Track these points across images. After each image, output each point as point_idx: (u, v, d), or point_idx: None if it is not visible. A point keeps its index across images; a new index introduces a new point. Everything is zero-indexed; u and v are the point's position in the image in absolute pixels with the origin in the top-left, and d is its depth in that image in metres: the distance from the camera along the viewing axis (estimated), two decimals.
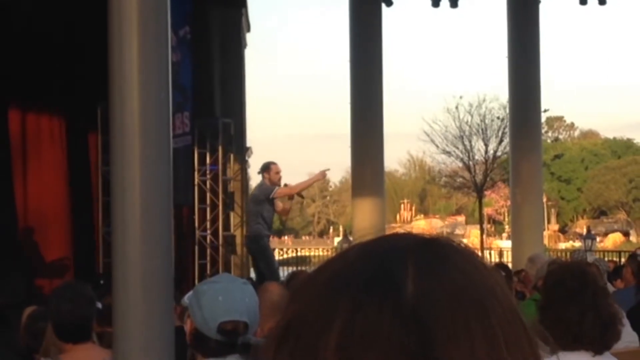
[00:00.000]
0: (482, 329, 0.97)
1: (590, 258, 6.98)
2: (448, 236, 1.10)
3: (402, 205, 73.07)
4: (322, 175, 14.61)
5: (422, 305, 0.97)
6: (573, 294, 4.00)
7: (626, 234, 64.31)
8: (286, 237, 67.32)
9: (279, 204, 13.78)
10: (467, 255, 1.03)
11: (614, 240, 59.76)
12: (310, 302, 1.00)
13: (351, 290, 0.98)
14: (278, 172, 13.43)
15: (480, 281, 1.01)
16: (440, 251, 1.03)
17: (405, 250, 1.02)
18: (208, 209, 18.13)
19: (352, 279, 1.00)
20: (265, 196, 13.40)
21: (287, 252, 35.68)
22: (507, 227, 51.45)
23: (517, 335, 1.00)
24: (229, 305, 3.59)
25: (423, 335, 0.95)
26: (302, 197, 14.33)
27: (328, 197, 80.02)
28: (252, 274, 14.26)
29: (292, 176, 14.22)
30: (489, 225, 57.49)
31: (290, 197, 13.69)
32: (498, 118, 33.78)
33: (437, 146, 36.08)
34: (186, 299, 3.76)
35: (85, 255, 17.29)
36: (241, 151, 19.78)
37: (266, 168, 13.47)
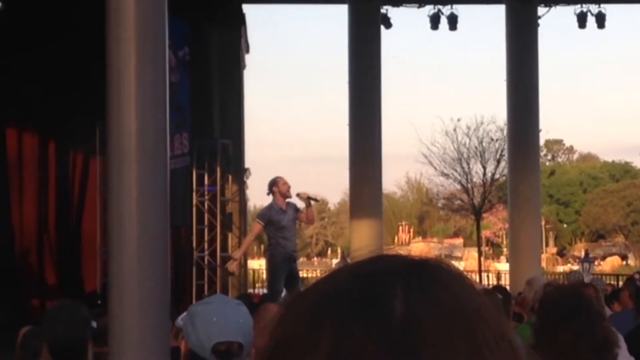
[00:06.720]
0: (470, 350, 0.97)
1: (587, 278, 6.94)
2: (439, 258, 1.10)
3: (400, 227, 72.90)
4: None
5: (410, 326, 0.96)
6: (568, 316, 3.98)
7: (624, 258, 64.19)
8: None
9: (302, 215, 13.63)
10: (456, 277, 1.03)
11: (612, 263, 59.65)
12: (297, 324, 1.00)
13: (338, 312, 0.98)
14: (285, 183, 13.29)
15: (469, 303, 1.00)
16: (429, 273, 1.02)
17: (394, 272, 1.01)
18: (206, 230, 18.11)
19: (339, 300, 0.99)
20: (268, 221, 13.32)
21: None
22: (505, 249, 51.38)
23: (505, 356, 0.99)
24: (223, 326, 3.58)
25: (411, 356, 0.95)
26: (316, 200, 14.29)
27: (326, 219, 79.84)
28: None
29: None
30: (487, 248, 57.40)
31: (307, 205, 13.49)
32: (492, 139, 33.75)
33: (435, 168, 35.97)
34: (180, 320, 3.75)
35: (80, 275, 17.25)
36: (239, 172, 19.77)
37: (274, 183, 13.32)
